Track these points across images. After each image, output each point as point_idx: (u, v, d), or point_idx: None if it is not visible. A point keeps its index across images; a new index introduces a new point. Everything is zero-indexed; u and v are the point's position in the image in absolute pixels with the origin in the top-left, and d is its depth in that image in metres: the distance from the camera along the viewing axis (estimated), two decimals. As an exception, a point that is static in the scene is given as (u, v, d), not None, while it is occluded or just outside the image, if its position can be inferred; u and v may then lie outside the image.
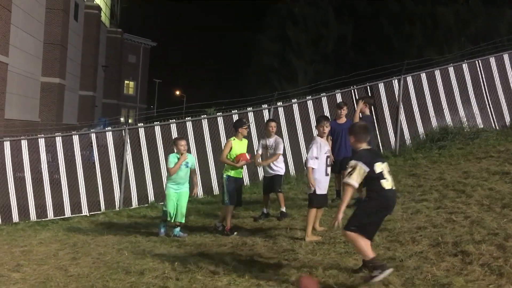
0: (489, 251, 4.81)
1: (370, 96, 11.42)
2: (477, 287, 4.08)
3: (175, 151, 8.03)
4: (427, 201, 7.34)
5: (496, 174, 8.10)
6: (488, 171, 8.39)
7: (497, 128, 12.48)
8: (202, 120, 12.44)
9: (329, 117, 8.88)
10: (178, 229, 7.90)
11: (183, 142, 8.02)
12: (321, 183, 6.51)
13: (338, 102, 10.98)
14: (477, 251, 4.84)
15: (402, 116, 12.69)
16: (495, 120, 12.69)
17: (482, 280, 4.21)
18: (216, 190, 12.18)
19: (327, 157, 6.59)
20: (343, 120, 8.70)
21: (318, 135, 6.73)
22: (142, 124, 12.91)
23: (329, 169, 6.63)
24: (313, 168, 6.41)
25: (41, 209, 11.52)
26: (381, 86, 12.82)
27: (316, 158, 6.43)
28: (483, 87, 12.83)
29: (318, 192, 6.47)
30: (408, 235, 5.84)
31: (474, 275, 4.36)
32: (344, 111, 8.77)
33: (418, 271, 4.66)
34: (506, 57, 12.93)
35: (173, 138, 12.00)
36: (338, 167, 8.24)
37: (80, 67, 39.32)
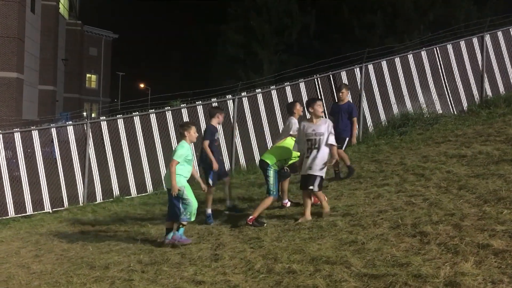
0: (445, 231, 4.98)
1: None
2: (434, 265, 4.23)
3: (189, 141, 6.75)
4: (389, 186, 7.53)
5: (453, 157, 8.37)
6: (446, 155, 8.66)
7: (455, 113, 12.88)
8: (166, 112, 12.32)
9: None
10: (182, 230, 6.63)
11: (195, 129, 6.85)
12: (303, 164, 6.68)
13: (338, 84, 11.18)
14: (434, 231, 5.01)
15: (365, 104, 12.93)
16: (453, 105, 13.09)
17: (439, 259, 4.37)
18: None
19: (308, 140, 6.62)
20: (344, 101, 8.89)
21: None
22: (105, 117, 12.68)
23: (311, 151, 6.59)
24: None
25: (1, 207, 11.20)
26: (344, 75, 13.01)
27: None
28: (441, 73, 13.19)
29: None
30: (370, 218, 5.99)
31: (431, 254, 4.52)
32: (344, 93, 8.92)
33: (379, 252, 4.79)
34: (462, 43, 13.32)
35: (137, 131, 11.90)
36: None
37: (39, 60, 38.09)
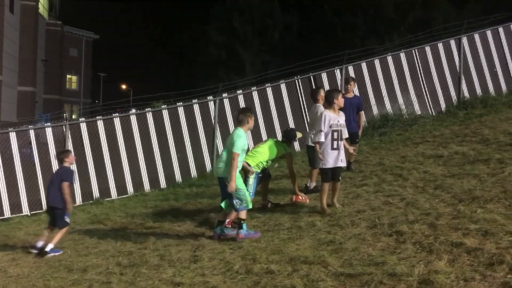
0: (421, 230, 5.07)
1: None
2: (408, 264, 4.30)
3: (247, 129, 6.43)
4: (367, 186, 7.62)
5: (430, 158, 8.51)
6: (423, 155, 8.80)
7: (433, 114, 13.09)
8: (147, 113, 12.26)
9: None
10: (245, 225, 6.28)
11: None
12: (327, 156, 6.62)
13: (345, 77, 11.20)
14: (410, 231, 5.09)
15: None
16: (431, 106, 13.30)
17: (414, 257, 4.44)
18: (163, 183, 12.05)
19: (334, 131, 6.65)
20: (351, 94, 8.94)
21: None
22: (84, 118, 12.55)
23: (338, 142, 6.65)
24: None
25: (-23, 210, 11.00)
26: (324, 76, 13.12)
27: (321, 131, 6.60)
28: (420, 75, 13.39)
29: (323, 166, 6.65)
30: (348, 218, 6.06)
31: (406, 252, 4.59)
32: (352, 86, 9.01)
33: (356, 252, 4.86)
34: (440, 45, 13.54)
35: (117, 132, 11.80)
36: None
37: (18, 61, 37.48)
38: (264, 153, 7.19)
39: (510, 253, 4.06)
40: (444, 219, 5.26)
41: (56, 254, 6.90)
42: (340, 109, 7.24)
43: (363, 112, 8.90)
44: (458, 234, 4.75)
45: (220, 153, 12.31)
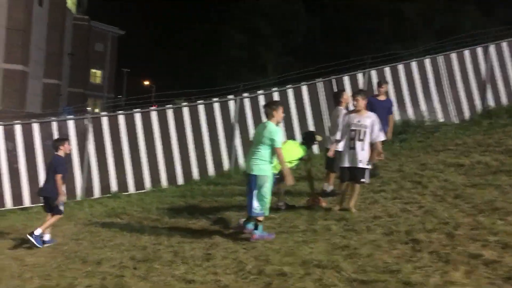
0: (438, 239, 4.98)
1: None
2: (424, 273, 4.22)
3: (276, 122, 6.23)
4: (385, 192, 7.53)
5: (451, 166, 8.36)
6: (444, 163, 8.65)
7: (456, 122, 12.85)
8: (167, 110, 12.33)
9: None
10: (261, 227, 6.21)
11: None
12: (344, 156, 6.83)
13: (378, 80, 11.17)
14: (427, 239, 5.01)
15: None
16: (454, 114, 13.06)
17: (430, 267, 4.37)
18: (180, 180, 12.10)
19: (352, 130, 6.77)
20: (382, 97, 8.98)
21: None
22: (106, 113, 12.69)
23: (355, 142, 6.73)
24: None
25: (-1, 198, 11.23)
26: (346, 79, 13.00)
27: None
28: (444, 82, 13.17)
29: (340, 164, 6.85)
30: (363, 224, 5.99)
31: (422, 261, 4.51)
32: (383, 88, 9.07)
33: (371, 258, 4.79)
34: (466, 53, 13.29)
35: (137, 127, 11.90)
36: None
37: (45, 54, 38.23)
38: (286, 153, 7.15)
39: (529, 267, 3.96)
40: (463, 230, 5.16)
41: (40, 243, 7.03)
42: (372, 110, 7.22)
43: (392, 115, 8.87)
44: (476, 245, 4.65)
45: (236, 152, 12.42)
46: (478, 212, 5.71)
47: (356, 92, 7.44)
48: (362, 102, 6.88)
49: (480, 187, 6.77)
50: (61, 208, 7.40)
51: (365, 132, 6.72)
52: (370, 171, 8.75)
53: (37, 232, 7.10)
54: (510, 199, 5.95)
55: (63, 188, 7.32)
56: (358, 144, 6.69)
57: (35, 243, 7.01)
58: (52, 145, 7.99)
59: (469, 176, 7.51)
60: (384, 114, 8.63)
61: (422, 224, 5.54)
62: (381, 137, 6.98)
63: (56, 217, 7.34)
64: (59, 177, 7.22)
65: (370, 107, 8.58)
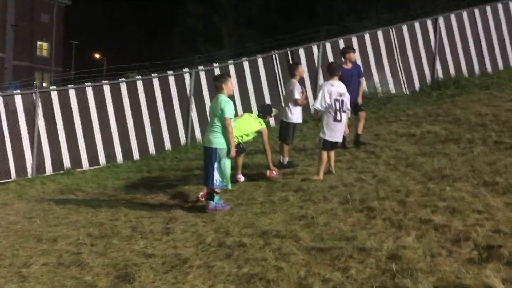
0: (391, 207, 5.17)
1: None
2: (378, 239, 4.39)
3: (227, 94, 6.33)
4: (341, 162, 7.70)
5: (403, 136, 8.64)
6: (396, 134, 8.93)
7: (408, 93, 13.23)
8: (120, 84, 12.00)
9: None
10: (217, 197, 6.30)
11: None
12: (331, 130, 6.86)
13: (345, 46, 11.04)
14: (380, 207, 5.19)
15: (322, 81, 13.02)
16: (406, 85, 13.43)
17: (383, 233, 4.54)
18: (136, 155, 11.91)
19: (336, 100, 6.77)
20: (348, 65, 8.68)
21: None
22: (55, 87, 12.21)
23: (341, 114, 6.81)
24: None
25: None
26: (301, 52, 13.05)
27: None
28: (395, 54, 13.46)
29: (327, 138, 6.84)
30: (320, 194, 6.12)
31: (376, 228, 4.68)
32: (352, 56, 8.80)
33: (327, 227, 4.92)
34: (417, 25, 13.59)
35: (89, 102, 11.55)
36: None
37: (-14, 25, 36.08)
38: (239, 128, 7.15)
39: (476, 230, 4.18)
40: (414, 196, 5.37)
41: None
42: (343, 79, 7.30)
43: (363, 78, 8.96)
44: (426, 211, 4.85)
45: (192, 126, 12.29)
46: (428, 179, 5.95)
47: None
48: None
49: (430, 156, 7.04)
50: None
51: (346, 103, 6.87)
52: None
53: None
54: (458, 167, 6.23)
55: None
56: (343, 116, 6.84)
57: None
58: None
59: (420, 145, 7.79)
60: (355, 81, 8.53)
61: (375, 192, 5.72)
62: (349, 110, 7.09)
63: None
64: None
65: (343, 77, 8.15)
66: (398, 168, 6.74)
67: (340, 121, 6.86)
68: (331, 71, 7.13)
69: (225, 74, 6.83)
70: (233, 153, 6.23)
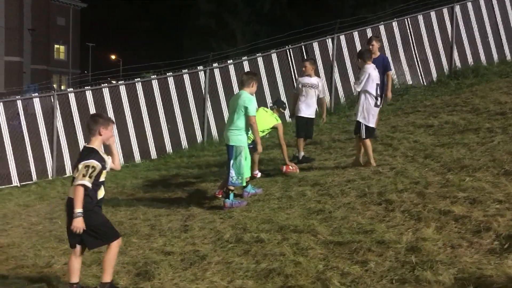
0: (410, 199, 5.11)
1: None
2: (397, 231, 4.35)
3: (250, 92, 6.35)
4: (357, 155, 7.62)
5: (421, 127, 8.52)
6: (414, 125, 8.81)
7: (425, 84, 13.04)
8: (136, 84, 12.10)
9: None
10: (232, 195, 6.26)
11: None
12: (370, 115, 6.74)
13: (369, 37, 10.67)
14: (399, 199, 5.13)
15: (336, 75, 12.95)
16: (423, 76, 13.24)
17: (402, 225, 4.49)
18: (153, 154, 12.01)
19: (377, 85, 6.70)
20: (375, 55, 8.21)
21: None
22: (72, 89, 12.37)
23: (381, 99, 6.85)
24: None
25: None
26: (316, 45, 12.96)
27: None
28: (412, 44, 13.27)
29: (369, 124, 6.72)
30: (338, 188, 6.08)
31: (395, 221, 4.64)
32: (374, 46, 8.45)
33: (345, 220, 4.90)
34: (433, 14, 13.38)
35: (106, 103, 11.67)
36: None
37: (4, 30, 36.72)
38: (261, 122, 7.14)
39: (497, 220, 4.11)
40: (433, 188, 5.30)
41: None
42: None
43: (390, 72, 8.56)
44: (446, 202, 4.79)
45: (208, 124, 12.31)
46: (447, 170, 5.86)
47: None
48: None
49: (448, 146, 6.93)
50: None
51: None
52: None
53: None
54: (477, 157, 6.12)
55: None
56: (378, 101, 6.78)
57: None
58: None
59: (438, 136, 7.68)
60: (382, 73, 7.82)
61: (394, 184, 5.66)
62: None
63: None
64: None
65: None
66: (416, 160, 6.65)
67: (379, 106, 6.85)
68: (364, 56, 6.94)
69: (256, 74, 6.81)
70: (259, 149, 6.35)
